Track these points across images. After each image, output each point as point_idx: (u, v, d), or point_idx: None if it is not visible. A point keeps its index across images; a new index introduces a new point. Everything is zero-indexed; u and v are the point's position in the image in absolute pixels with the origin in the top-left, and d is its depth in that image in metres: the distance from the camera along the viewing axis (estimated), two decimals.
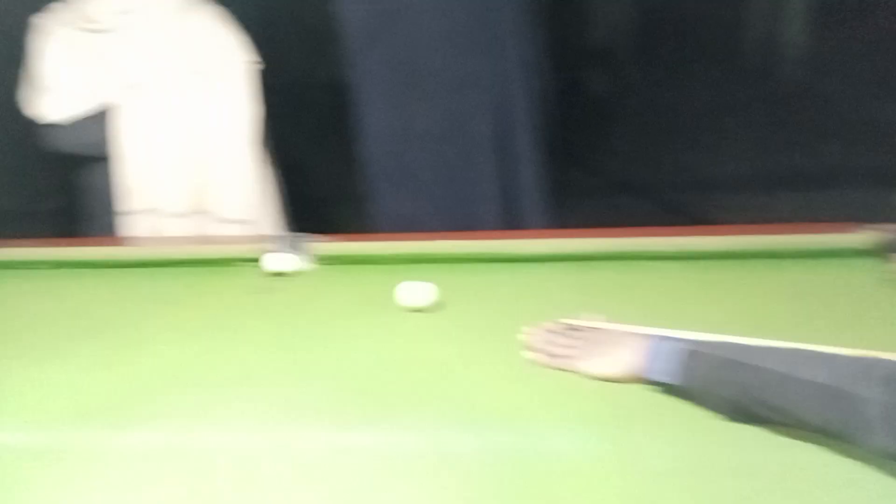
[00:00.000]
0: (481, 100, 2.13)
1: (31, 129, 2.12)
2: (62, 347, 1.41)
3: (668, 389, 1.12)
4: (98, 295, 1.64)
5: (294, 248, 1.71)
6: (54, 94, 2.09)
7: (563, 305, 1.40)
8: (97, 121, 2.07)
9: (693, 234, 1.62)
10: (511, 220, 2.15)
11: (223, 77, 2.13)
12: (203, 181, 2.13)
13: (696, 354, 1.10)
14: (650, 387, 1.15)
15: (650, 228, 1.64)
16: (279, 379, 1.27)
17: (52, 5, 2.14)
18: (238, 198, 2.14)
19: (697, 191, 3.49)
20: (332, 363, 1.32)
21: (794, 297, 1.44)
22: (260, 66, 2.14)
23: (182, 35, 2.13)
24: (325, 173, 2.61)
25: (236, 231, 2.12)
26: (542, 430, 1.11)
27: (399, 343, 1.37)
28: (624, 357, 1.17)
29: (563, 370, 1.23)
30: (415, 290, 1.48)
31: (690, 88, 3.44)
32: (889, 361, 0.95)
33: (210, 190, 2.14)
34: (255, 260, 1.70)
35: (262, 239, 1.78)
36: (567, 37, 3.34)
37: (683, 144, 3.56)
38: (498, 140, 2.14)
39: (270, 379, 1.27)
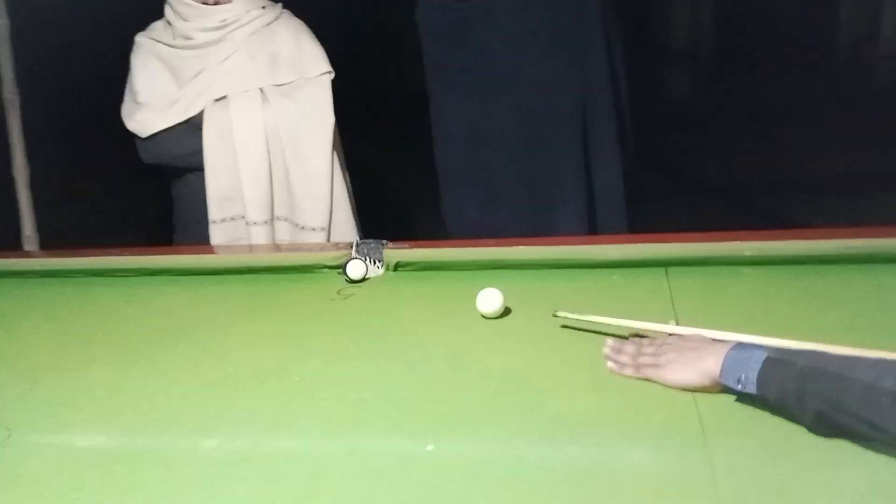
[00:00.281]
0: (560, 103, 2.09)
1: (130, 142, 2.23)
2: (146, 352, 1.46)
3: (750, 399, 1.07)
4: (184, 301, 1.70)
5: (371, 255, 1.73)
6: (148, 108, 2.19)
7: (643, 312, 1.36)
8: (188, 134, 2.16)
9: (780, 238, 1.55)
10: (591, 225, 2.11)
11: (304, 88, 2.18)
12: (284, 190, 2.19)
13: (778, 362, 1.05)
14: (731, 396, 1.10)
15: (733, 232, 1.58)
16: (354, 386, 1.28)
17: (153, 24, 2.25)
18: (317, 206, 2.18)
19: (785, 193, 3.35)
20: (406, 371, 1.32)
21: (889, 305, 1.36)
22: (334, 76, 2.18)
23: (267, 48, 2.19)
24: (403, 180, 2.64)
25: (315, 238, 2.17)
26: (618, 441, 1.07)
27: (473, 350, 1.36)
28: (702, 365, 1.13)
29: (640, 379, 1.19)
30: (493, 297, 1.46)
31: (777, 87, 3.30)
32: None
33: (290, 198, 2.19)
34: (334, 267, 1.72)
35: (339, 246, 1.80)
36: (649, 37, 3.27)
37: (772, 145, 3.42)
38: (578, 143, 2.10)
39: (345, 386, 1.28)
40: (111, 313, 1.67)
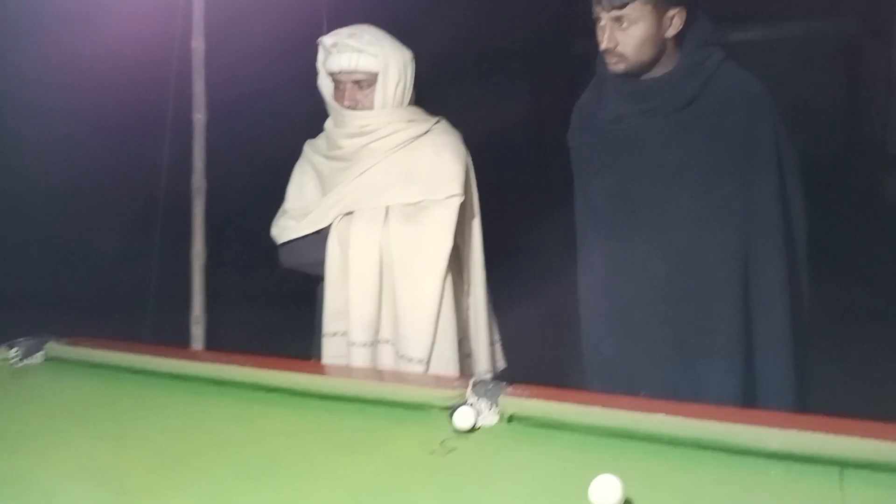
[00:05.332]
0: (717, 241, 1.80)
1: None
2: (227, 492, 1.36)
3: None
4: (284, 428, 1.59)
5: (487, 399, 1.54)
6: (289, 215, 2.22)
7: None
8: (316, 244, 2.15)
9: None
10: (746, 390, 1.76)
11: (429, 210, 2.09)
12: (390, 312, 2.10)
13: None
14: None
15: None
16: None
17: (322, 133, 2.27)
18: (419, 336, 2.05)
19: None
20: None
21: None
22: (462, 199, 2.08)
23: (404, 165, 2.13)
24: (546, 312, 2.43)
25: (412, 369, 2.04)
26: None
27: None
28: None
29: None
30: (607, 494, 1.21)
31: None
32: None
33: (395, 322, 2.10)
34: (444, 409, 1.55)
35: (454, 383, 1.63)
36: (830, 162, 2.86)
37: None
38: (736, 289, 1.78)
39: None
40: (215, 433, 1.59)
